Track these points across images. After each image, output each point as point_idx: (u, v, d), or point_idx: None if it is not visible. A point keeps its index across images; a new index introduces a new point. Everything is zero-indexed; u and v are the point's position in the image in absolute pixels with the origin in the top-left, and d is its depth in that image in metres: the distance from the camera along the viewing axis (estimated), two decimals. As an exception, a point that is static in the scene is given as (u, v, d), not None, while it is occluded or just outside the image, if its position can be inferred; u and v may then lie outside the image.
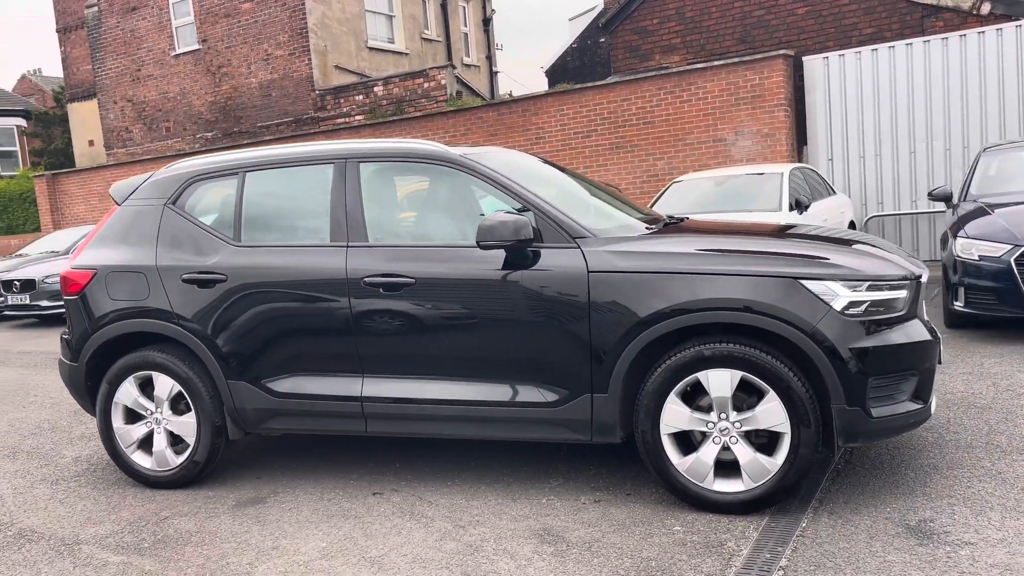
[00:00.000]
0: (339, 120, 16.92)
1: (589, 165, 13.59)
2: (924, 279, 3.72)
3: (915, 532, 3.23)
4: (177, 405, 4.32)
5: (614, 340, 3.59)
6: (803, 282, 3.42)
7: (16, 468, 4.99)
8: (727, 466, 3.56)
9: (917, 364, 3.54)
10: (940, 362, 3.82)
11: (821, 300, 3.39)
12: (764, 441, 3.54)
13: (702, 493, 3.55)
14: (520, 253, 3.73)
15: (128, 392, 4.37)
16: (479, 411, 3.82)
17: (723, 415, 3.52)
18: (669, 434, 3.57)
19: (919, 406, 3.54)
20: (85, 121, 21.80)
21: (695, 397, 3.57)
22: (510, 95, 16.97)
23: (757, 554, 3.16)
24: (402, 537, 3.55)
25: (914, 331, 3.55)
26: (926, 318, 3.87)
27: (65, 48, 23.41)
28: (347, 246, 4.02)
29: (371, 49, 18.81)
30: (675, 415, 3.55)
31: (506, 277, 3.74)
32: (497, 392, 3.80)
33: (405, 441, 4.72)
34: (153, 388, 4.34)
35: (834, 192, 10.48)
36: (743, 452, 3.50)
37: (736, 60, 12.18)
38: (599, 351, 3.61)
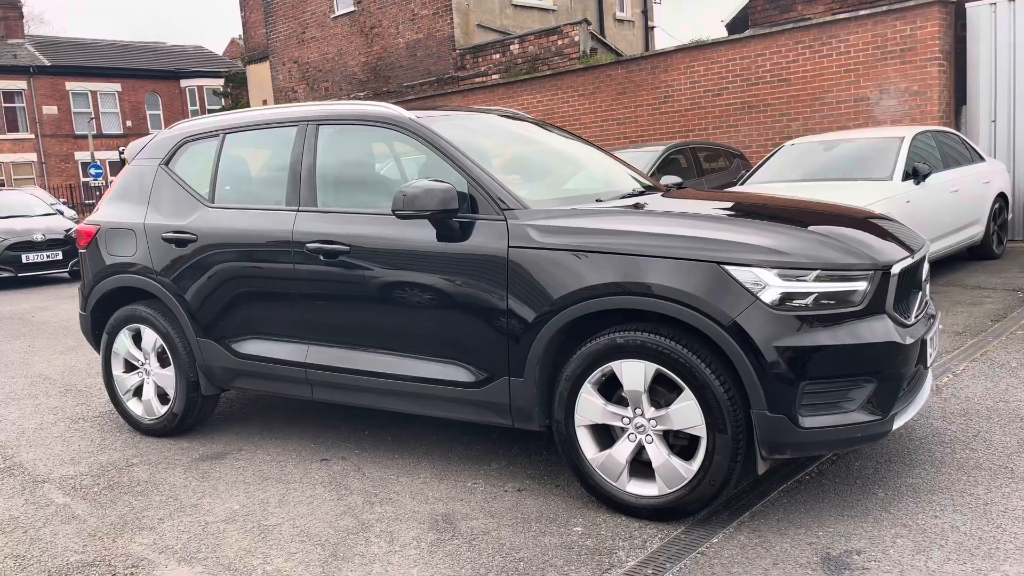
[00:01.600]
0: (477, 79, 16.96)
1: (718, 126, 12.80)
2: (896, 270, 3.13)
3: (828, 564, 2.77)
4: (162, 358, 4.51)
5: (529, 322, 3.32)
6: (727, 268, 2.99)
7: (56, 404, 5.45)
8: (648, 467, 3.22)
9: (874, 369, 3.01)
10: (925, 366, 3.24)
11: (746, 290, 2.95)
12: (685, 443, 3.16)
13: (615, 493, 3.24)
14: (444, 224, 3.53)
15: (123, 343, 4.61)
16: (408, 386, 3.69)
17: (638, 411, 3.18)
18: (585, 426, 3.28)
19: (873, 418, 3.01)
20: (261, 82, 23.30)
21: (615, 389, 3.24)
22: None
23: (640, 568, 2.84)
24: (310, 508, 3.52)
25: (874, 330, 3.01)
26: (919, 313, 3.29)
27: (245, 13, 25.07)
28: (297, 210, 3.98)
29: (516, 6, 18.64)
30: (590, 407, 3.25)
31: (432, 249, 3.55)
32: (424, 368, 3.64)
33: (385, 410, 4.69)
34: (143, 341, 4.55)
35: (982, 159, 9.21)
36: (657, 453, 3.15)
37: (885, 8, 10.94)
38: (516, 333, 3.36)
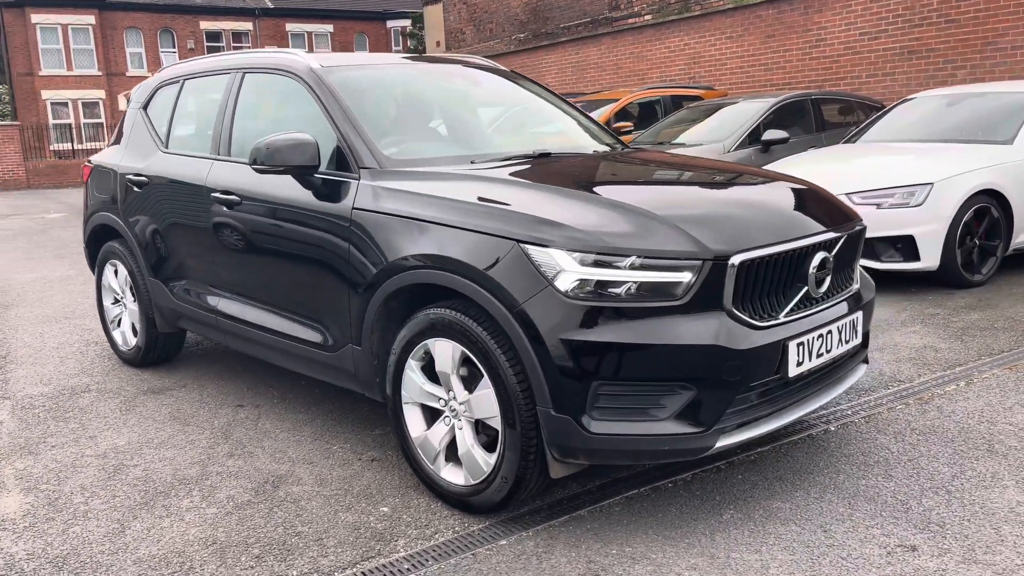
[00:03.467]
0: (630, 20, 16.23)
1: (873, 73, 11.46)
2: (738, 260, 2.62)
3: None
4: (135, 293, 4.78)
5: (361, 291, 3.16)
6: (525, 247, 2.65)
7: (89, 326, 5.96)
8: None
9: (692, 375, 2.58)
10: (782, 375, 2.73)
11: (540, 273, 2.61)
12: (494, 434, 2.89)
13: (432, 476, 3.04)
14: (304, 180, 3.41)
15: (108, 276, 4.94)
16: (283, 343, 3.66)
17: (451, 393, 2.94)
18: (411, 403, 3.09)
19: (689, 431, 2.59)
20: (435, 24, 23.72)
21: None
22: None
23: (401, 562, 2.66)
24: (177, 452, 3.62)
25: (693, 329, 2.57)
26: (805, 310, 2.78)
27: (428, -47, 25.47)
28: (214, 159, 4.02)
29: (683, -59, 17.48)
30: (412, 384, 3.05)
31: (299, 206, 3.45)
32: (293, 327, 3.59)
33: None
34: (118, 276, 4.85)
35: None
36: (463, 440, 2.91)
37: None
38: (355, 300, 3.21)
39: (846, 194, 6.03)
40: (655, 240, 2.61)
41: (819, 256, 2.88)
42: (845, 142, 7.74)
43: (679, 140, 9.02)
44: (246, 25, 40.09)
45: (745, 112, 8.95)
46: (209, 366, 4.88)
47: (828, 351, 2.91)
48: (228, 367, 4.84)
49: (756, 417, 2.74)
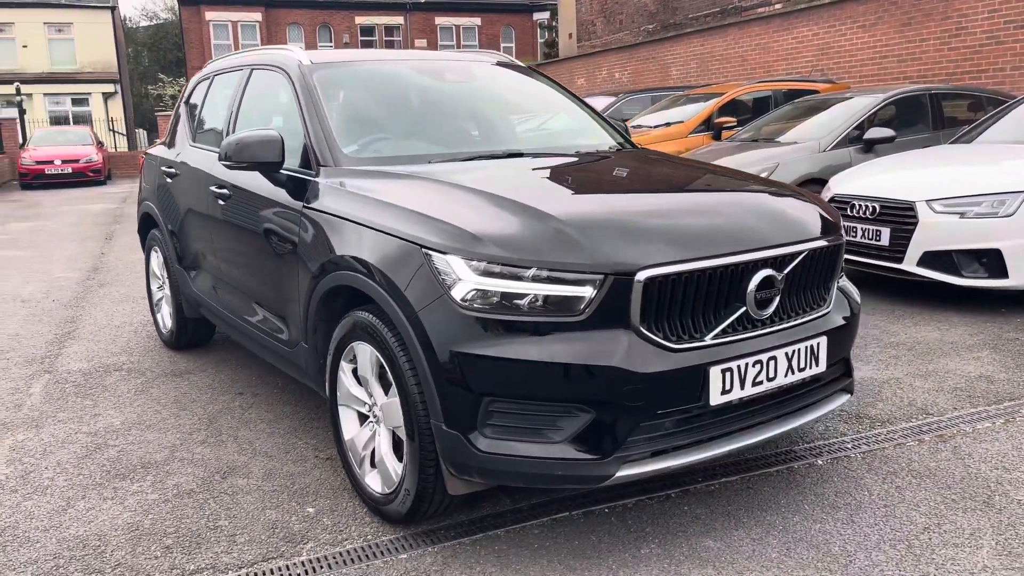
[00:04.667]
0: (760, 9, 15.47)
1: (1018, 66, 10.35)
2: (643, 276, 2.39)
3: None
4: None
5: (306, 289, 3.15)
6: (428, 253, 2.54)
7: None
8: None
9: (590, 397, 2.39)
10: (708, 402, 2.48)
11: (439, 281, 2.49)
12: (408, 443, 2.80)
13: (359, 480, 2.99)
14: (271, 177, 3.44)
15: (153, 263, 5.22)
16: (260, 336, 3.72)
17: (372, 398, 2.89)
18: (344, 405, 3.06)
19: (587, 457, 2.41)
20: (568, 16, 23.56)
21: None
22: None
23: (295, 566, 2.64)
24: (158, 435, 3.76)
25: (592, 348, 2.38)
26: (740, 332, 2.52)
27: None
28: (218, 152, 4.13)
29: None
30: (343, 385, 3.02)
31: (269, 202, 3.49)
32: (267, 320, 3.64)
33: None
34: (157, 262, 5.11)
35: None
36: (379, 447, 2.85)
37: None
38: (302, 298, 3.21)
39: (926, 201, 5.45)
40: (557, 252, 2.43)
41: (761, 274, 2.59)
42: (953, 142, 7.02)
43: (774, 138, 8.50)
44: (397, 19, 41.44)
45: (850, 109, 8.30)
46: (231, 352, 5.05)
47: (771, 379, 2.61)
48: (249, 354, 4.99)
49: (673, 447, 2.51)
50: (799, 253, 2.70)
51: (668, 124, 10.44)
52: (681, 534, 2.73)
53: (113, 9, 37.84)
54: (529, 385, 2.40)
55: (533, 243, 2.46)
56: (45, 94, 36.78)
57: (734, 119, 10.04)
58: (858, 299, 3.09)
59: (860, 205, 5.87)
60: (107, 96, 37.77)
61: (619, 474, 2.44)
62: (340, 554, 2.70)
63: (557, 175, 3.25)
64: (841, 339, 2.88)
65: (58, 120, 35.93)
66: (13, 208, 15.65)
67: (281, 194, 3.37)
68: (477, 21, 42.54)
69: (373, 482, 2.91)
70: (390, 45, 41.71)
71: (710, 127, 10.11)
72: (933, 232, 5.42)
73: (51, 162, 20.88)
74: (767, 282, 2.60)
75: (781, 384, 2.65)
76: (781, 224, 2.76)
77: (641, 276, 2.39)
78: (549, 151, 3.62)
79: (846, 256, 5.87)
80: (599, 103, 13.09)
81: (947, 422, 3.60)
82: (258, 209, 3.56)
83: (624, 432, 2.41)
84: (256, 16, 38.81)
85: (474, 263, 2.44)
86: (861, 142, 7.83)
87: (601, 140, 3.94)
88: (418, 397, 2.56)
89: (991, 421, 3.59)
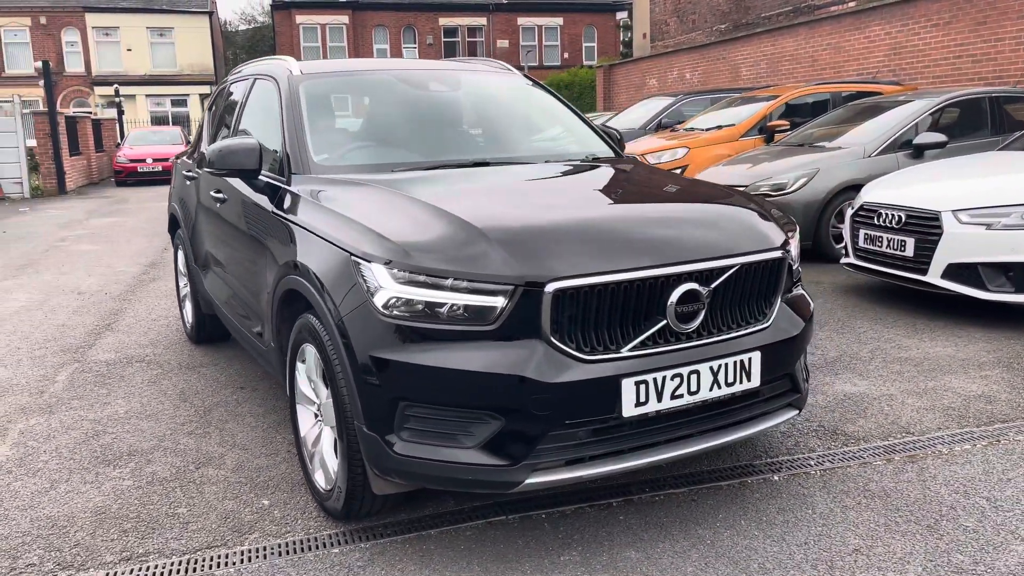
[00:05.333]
0: (832, 8, 15.03)
1: (1099, 66, 9.78)
2: (553, 287, 2.43)
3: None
4: (194, 277, 5.29)
5: (269, 292, 3.30)
6: (356, 260, 2.64)
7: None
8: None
9: (499, 405, 2.45)
10: (621, 414, 2.51)
11: (364, 287, 2.59)
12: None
13: (309, 475, 3.13)
14: (251, 184, 3.61)
15: (179, 260, 5.51)
16: (246, 335, 3.91)
17: (319, 397, 3.01)
18: (300, 403, 3.20)
19: (494, 463, 2.47)
20: (642, 16, 23.36)
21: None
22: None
23: (232, 556, 2.79)
24: (153, 424, 3.98)
25: (505, 358, 2.44)
26: (667, 345, 2.54)
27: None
28: (226, 158, 4.35)
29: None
30: (298, 384, 3.16)
31: (249, 207, 3.67)
32: (249, 320, 3.82)
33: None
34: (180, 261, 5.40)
35: None
36: (324, 444, 2.98)
37: None
38: (268, 300, 3.36)
39: (952, 211, 5.24)
40: (474, 262, 2.50)
41: (683, 288, 2.58)
42: (1002, 148, 6.71)
43: (820, 143, 8.28)
44: (480, 20, 41.88)
45: (903, 112, 8.01)
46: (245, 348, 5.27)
47: (693, 393, 2.61)
48: (264, 350, 5.21)
49: (588, 456, 2.54)
50: (729, 267, 2.68)
51: (719, 127, 10.29)
52: (607, 543, 2.76)
53: (211, 14, 39.51)
54: (442, 391, 2.48)
55: (453, 253, 2.53)
56: (147, 95, 38.76)
57: (787, 123, 9.82)
58: (807, 314, 3.03)
59: (886, 214, 5.69)
60: (204, 97, 39.48)
61: (528, 481, 2.48)
62: (279, 545, 2.83)
63: (506, 185, 3.30)
64: (782, 354, 2.84)
65: (159, 120, 37.79)
66: (101, 204, 16.58)
67: (261, 199, 3.54)
68: (559, 21, 42.58)
69: (319, 478, 3.03)
70: (472, 46, 42.20)
71: (762, 130, 9.92)
72: (958, 243, 5.21)
73: (143, 160, 22.00)
74: (690, 296, 2.60)
75: (706, 399, 2.64)
76: (713, 238, 2.74)
77: (551, 287, 2.44)
78: (516, 160, 3.68)
79: (871, 267, 5.72)
80: (658, 104, 12.97)
81: (925, 442, 3.49)
82: (242, 214, 3.74)
83: (533, 440, 2.46)
84: (343, 19, 39.88)
85: (394, 272, 2.52)
86: (911, 147, 7.56)
87: (582, 149, 3.96)
88: (346, 399, 2.66)
89: (972, 443, 3.46)
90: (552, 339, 2.46)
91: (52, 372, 4.91)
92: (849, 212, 6.19)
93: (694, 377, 2.61)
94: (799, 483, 3.15)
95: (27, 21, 37.41)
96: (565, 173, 3.54)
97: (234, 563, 2.73)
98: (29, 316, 6.40)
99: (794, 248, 3.09)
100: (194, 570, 2.70)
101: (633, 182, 3.46)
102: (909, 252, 5.48)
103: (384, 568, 2.65)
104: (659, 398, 2.56)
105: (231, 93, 4.79)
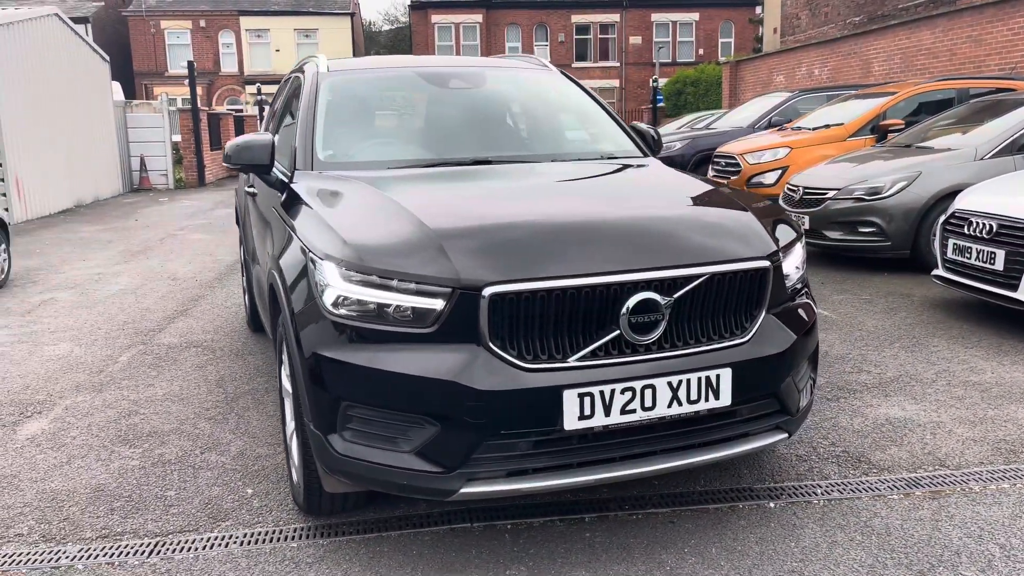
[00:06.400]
0: (961, 1, 13.89)
1: None
2: (490, 292, 2.33)
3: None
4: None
5: (266, 283, 3.36)
6: (313, 258, 2.64)
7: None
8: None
9: (435, 411, 2.38)
10: (563, 427, 2.38)
11: (316, 285, 2.59)
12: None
13: (290, 468, 3.16)
14: (264, 178, 3.69)
15: (242, 250, 5.73)
16: (266, 325, 4.00)
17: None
18: (284, 397, 3.23)
19: (429, 469, 2.40)
20: (773, 9, 22.40)
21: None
22: None
23: (201, 541, 2.85)
24: (182, 408, 4.15)
25: (440, 362, 2.37)
26: (617, 356, 2.41)
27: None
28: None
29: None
30: (283, 376, 3.19)
31: (264, 200, 3.75)
32: (266, 312, 3.91)
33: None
34: (244, 251, 5.61)
35: None
36: (294, 439, 2.99)
37: None
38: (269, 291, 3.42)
39: (1045, 220, 4.71)
40: (420, 264, 2.43)
41: (638, 297, 2.42)
42: None
43: (928, 144, 7.65)
44: (613, 17, 41.45)
45: (1001, 125, 7.27)
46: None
47: (647, 409, 2.44)
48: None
49: (532, 469, 2.44)
50: (696, 277, 2.49)
51: (827, 126, 9.70)
52: (560, 560, 2.63)
53: (352, 15, 41.07)
54: (381, 394, 2.43)
55: (402, 254, 2.48)
56: (292, 93, 40.80)
57: (902, 122, 9.13)
58: (804, 328, 2.78)
59: (977, 223, 5.17)
60: (343, 94, 41.09)
61: (464, 490, 2.41)
62: (244, 535, 2.87)
63: (487, 185, 3.21)
64: (761, 373, 2.61)
65: (302, 116, 39.63)
66: (229, 195, 17.57)
67: (271, 194, 3.61)
68: (695, 16, 41.54)
69: (294, 472, 3.06)
70: (604, 43, 41.85)
71: (874, 130, 9.27)
72: (1054, 257, 4.67)
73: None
74: (647, 306, 2.43)
75: (664, 415, 2.47)
76: (683, 245, 2.56)
77: (488, 292, 2.34)
78: (520, 158, 3.57)
79: (959, 280, 5.23)
80: (771, 102, 12.38)
81: (958, 477, 3.14)
82: (259, 208, 3.83)
83: (468, 449, 2.38)
84: (477, 18, 40.48)
85: (343, 271, 2.50)
86: (1031, 149, 6.86)
87: (599, 148, 3.81)
88: (300, 396, 2.67)
89: (1013, 482, 3.08)
90: (491, 345, 2.37)
91: (117, 353, 5.22)
92: (940, 220, 5.68)
93: (649, 392, 2.44)
94: (795, 512, 2.90)
95: (188, 24, 40.15)
96: (560, 173, 3.41)
97: (196, 549, 2.79)
98: (121, 299, 6.84)
99: (793, 258, 2.86)
100: (158, 552, 2.78)
101: (629, 183, 3.29)
102: (999, 265, 4.96)
103: (329, 567, 2.64)
104: (607, 412, 2.41)
105: (282, 91, 4.92)
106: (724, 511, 2.94)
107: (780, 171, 9.30)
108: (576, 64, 41.59)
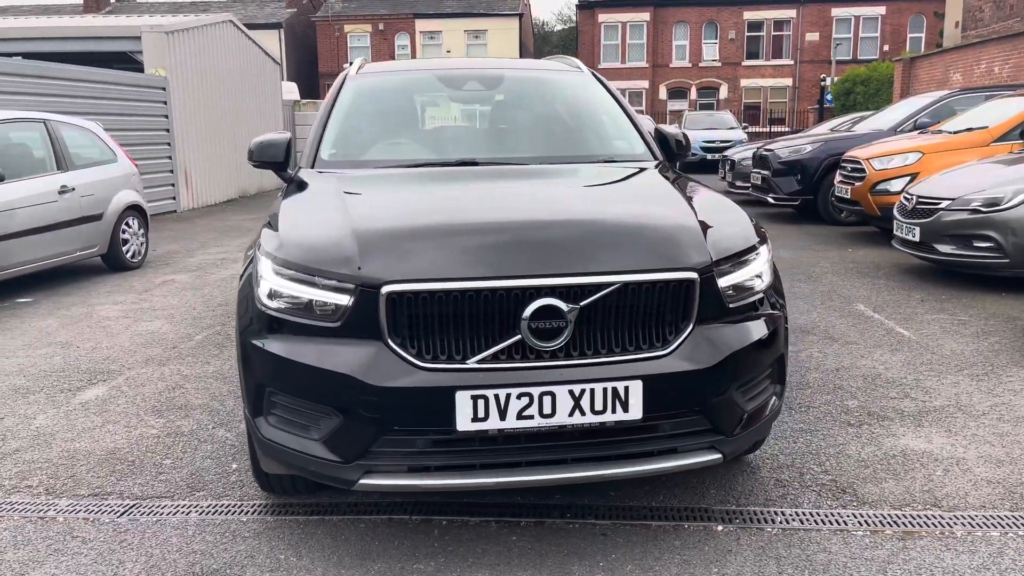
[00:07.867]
0: None
1: None
2: (388, 289, 2.38)
3: (192, 573, 2.61)
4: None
5: (266, 276, 3.57)
6: (258, 253, 2.80)
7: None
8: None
9: (336, 403, 2.48)
10: (455, 427, 2.41)
11: (256, 278, 2.75)
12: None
13: (257, 450, 3.36)
14: (282, 176, 3.90)
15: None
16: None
17: (265, 375, 3.23)
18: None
19: (332, 458, 2.50)
20: (956, 2, 20.57)
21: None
22: None
23: (186, 515, 3.11)
24: (218, 386, 4.48)
25: (340, 356, 2.45)
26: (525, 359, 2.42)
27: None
28: (311, 152, 4.73)
29: None
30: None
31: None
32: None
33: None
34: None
35: None
36: (257, 421, 3.19)
37: None
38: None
39: None
40: (334, 262, 2.53)
41: (538, 303, 2.39)
42: None
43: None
44: (789, 13, 39.68)
45: None
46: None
47: (546, 416, 2.41)
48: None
49: (432, 466, 2.48)
50: (605, 285, 2.43)
51: (970, 129, 8.87)
52: (469, 560, 2.64)
53: (520, 16, 41.82)
54: (296, 383, 2.55)
55: (323, 251, 2.59)
56: (460, 92, 42.12)
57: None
58: (741, 346, 2.61)
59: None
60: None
61: (363, 481, 2.48)
62: (207, 506, 3.08)
63: (443, 188, 3.21)
64: (680, 388, 2.49)
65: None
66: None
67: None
68: (881, 10, 39.03)
69: (259, 452, 3.25)
70: (778, 40, 40.16)
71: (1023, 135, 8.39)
72: None
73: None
74: (548, 312, 2.40)
75: (565, 424, 2.42)
76: (597, 253, 2.49)
77: (385, 290, 2.40)
78: (510, 160, 3.56)
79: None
80: (919, 102, 11.44)
81: (946, 520, 2.85)
82: (283, 203, 4.06)
83: (365, 441, 2.45)
84: (645, 16, 40.03)
85: (274, 265, 2.65)
86: None
87: (605, 151, 3.74)
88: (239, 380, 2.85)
89: (1003, 530, 2.76)
90: (390, 343, 2.43)
91: (196, 332, 5.70)
92: (1046, 235, 5.10)
93: (548, 399, 2.40)
94: (738, 538, 2.75)
95: (368, 27, 42.41)
96: (530, 176, 3.38)
97: (161, 514, 3.03)
98: (227, 282, 7.42)
99: (749, 269, 2.71)
100: (128, 513, 3.05)
101: (583, 189, 3.22)
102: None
103: (260, 542, 2.79)
104: (502, 416, 2.40)
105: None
106: (666, 529, 2.83)
107: (909, 178, 8.62)
108: (746, 62, 40.20)
